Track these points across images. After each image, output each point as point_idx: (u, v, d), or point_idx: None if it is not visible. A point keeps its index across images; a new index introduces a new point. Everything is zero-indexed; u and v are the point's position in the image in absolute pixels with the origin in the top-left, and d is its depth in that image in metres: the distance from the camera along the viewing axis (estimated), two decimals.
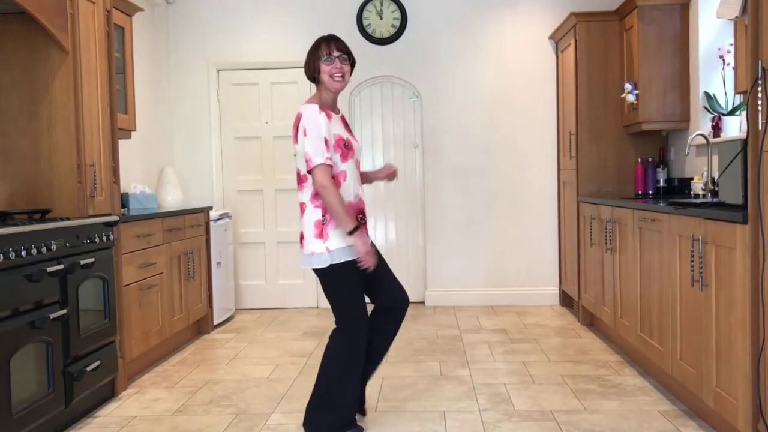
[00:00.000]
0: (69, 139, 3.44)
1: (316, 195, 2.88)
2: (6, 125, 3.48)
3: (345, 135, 2.94)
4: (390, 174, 3.24)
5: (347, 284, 2.89)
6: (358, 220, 2.94)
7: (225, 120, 6.04)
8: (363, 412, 3.23)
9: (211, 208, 5.30)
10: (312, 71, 2.94)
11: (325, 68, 2.89)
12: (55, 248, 3.03)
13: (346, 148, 2.91)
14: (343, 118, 3.02)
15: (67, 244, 3.17)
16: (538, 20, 5.83)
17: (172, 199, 5.45)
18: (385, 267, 3.08)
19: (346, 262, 2.86)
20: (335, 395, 2.92)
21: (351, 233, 2.80)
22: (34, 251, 2.85)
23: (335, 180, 2.85)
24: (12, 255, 2.73)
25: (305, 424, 2.99)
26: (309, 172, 2.81)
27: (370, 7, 5.87)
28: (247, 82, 6.01)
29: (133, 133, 4.82)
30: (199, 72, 6.01)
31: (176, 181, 5.55)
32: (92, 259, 3.35)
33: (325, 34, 3.00)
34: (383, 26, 5.88)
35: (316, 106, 2.84)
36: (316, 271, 2.90)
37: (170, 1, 5.96)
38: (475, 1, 5.87)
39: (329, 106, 2.95)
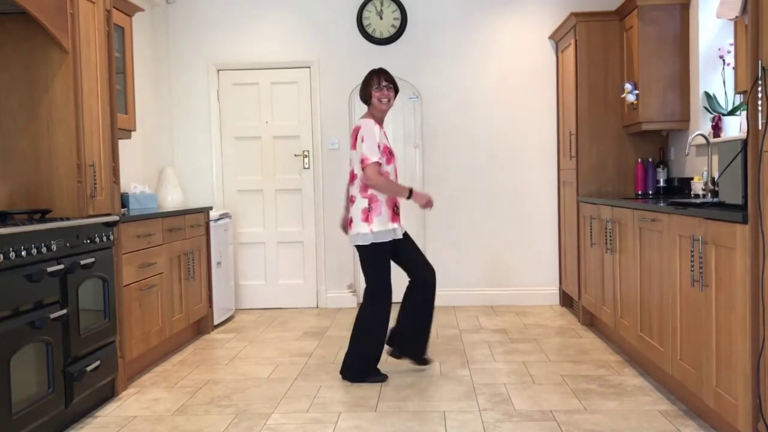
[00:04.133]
0: (69, 139, 3.44)
1: (364, 188, 3.74)
2: (6, 125, 3.48)
3: (389, 145, 3.83)
4: (426, 203, 3.89)
5: (381, 259, 3.76)
6: (395, 211, 3.81)
7: (225, 120, 6.04)
8: (425, 361, 4.03)
9: (211, 208, 5.30)
10: (366, 95, 3.83)
11: (375, 94, 3.79)
12: (55, 248, 3.03)
13: (390, 155, 3.81)
14: (385, 132, 3.85)
15: (67, 244, 3.16)
16: (538, 20, 5.83)
17: (172, 199, 5.45)
18: (417, 250, 3.91)
19: (383, 242, 3.73)
20: (363, 347, 3.78)
21: (409, 197, 3.77)
22: (34, 251, 2.85)
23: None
24: (12, 255, 2.73)
25: (342, 371, 3.84)
26: (364, 168, 3.66)
27: (370, 7, 5.86)
28: (247, 82, 6.00)
29: (133, 133, 4.82)
30: (199, 72, 6.01)
31: (176, 181, 5.55)
32: (92, 259, 3.35)
33: (377, 67, 3.90)
34: (383, 26, 5.87)
35: (371, 120, 3.77)
36: (359, 247, 3.76)
37: (170, 1, 5.96)
38: (475, 1, 5.87)
39: (378, 122, 3.81)
